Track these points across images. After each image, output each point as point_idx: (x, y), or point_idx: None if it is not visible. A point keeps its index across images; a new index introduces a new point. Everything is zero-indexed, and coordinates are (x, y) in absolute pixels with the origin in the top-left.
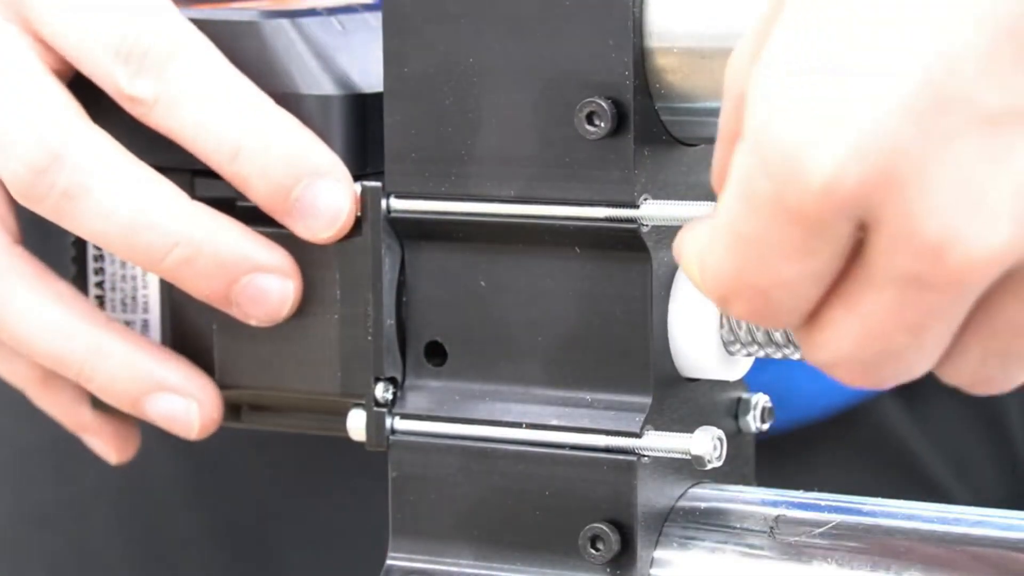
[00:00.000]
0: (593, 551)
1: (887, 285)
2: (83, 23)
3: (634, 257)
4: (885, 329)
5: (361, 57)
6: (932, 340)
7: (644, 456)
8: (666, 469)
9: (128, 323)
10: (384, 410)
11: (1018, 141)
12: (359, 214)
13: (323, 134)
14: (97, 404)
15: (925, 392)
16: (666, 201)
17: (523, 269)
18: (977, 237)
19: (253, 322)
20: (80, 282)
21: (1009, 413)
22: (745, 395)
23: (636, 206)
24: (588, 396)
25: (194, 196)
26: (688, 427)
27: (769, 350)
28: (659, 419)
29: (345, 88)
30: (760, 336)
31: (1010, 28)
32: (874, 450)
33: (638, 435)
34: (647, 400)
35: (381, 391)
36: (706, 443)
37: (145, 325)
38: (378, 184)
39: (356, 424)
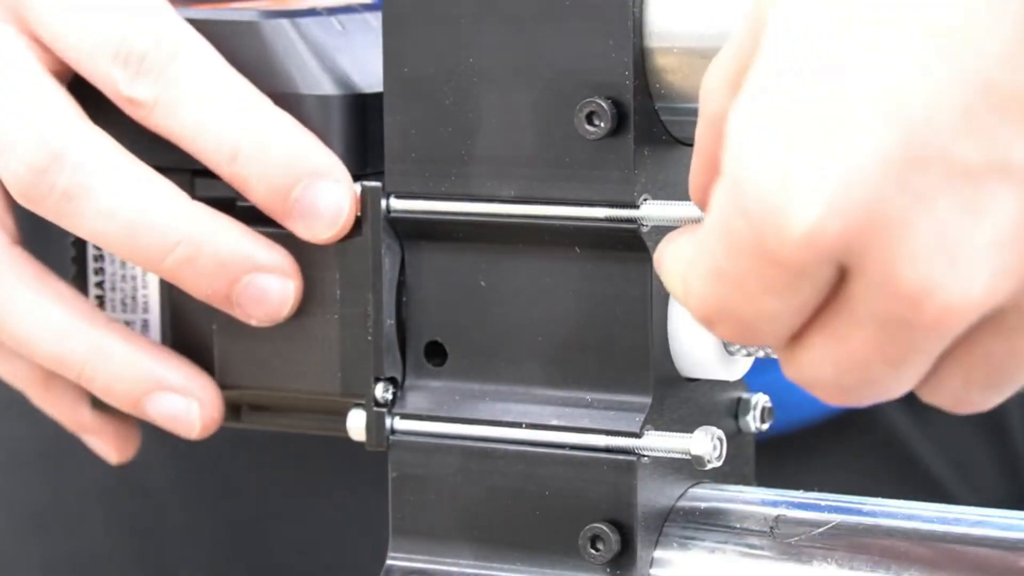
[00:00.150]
0: (593, 551)
1: (868, 323)
2: (81, 24)
3: (634, 257)
4: (865, 360)
5: (361, 57)
6: (911, 370)
7: (644, 456)
8: (666, 469)
9: (128, 323)
10: (384, 410)
11: (996, 193)
12: (359, 214)
13: (323, 134)
14: (97, 404)
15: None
16: (666, 201)
17: (523, 269)
18: (955, 287)
19: (254, 322)
20: (80, 282)
21: (1009, 414)
22: (745, 395)
23: (636, 206)
24: (588, 396)
25: (194, 196)
26: (688, 427)
27: (768, 350)
28: (659, 419)
29: (345, 88)
30: None
31: (986, 82)
32: (875, 451)
33: (638, 435)
34: (647, 400)
35: (381, 391)
36: (706, 443)
37: (145, 325)
38: (378, 184)
39: (356, 424)
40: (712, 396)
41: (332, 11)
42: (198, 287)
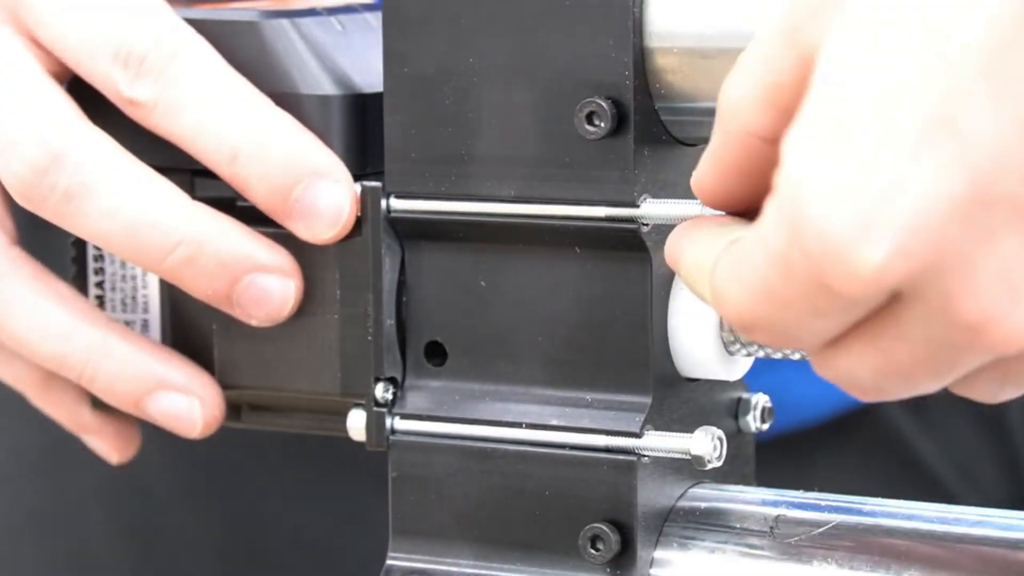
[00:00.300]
0: (593, 551)
1: (918, 342)
2: (81, 25)
3: (634, 257)
4: (909, 370)
5: (361, 57)
6: (953, 377)
7: (644, 456)
8: (666, 469)
9: (128, 323)
10: (384, 410)
11: None
12: (359, 214)
13: (323, 134)
14: (97, 405)
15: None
16: (666, 200)
17: (523, 269)
18: (1017, 318)
19: (254, 322)
20: (80, 282)
21: (1010, 413)
22: (745, 395)
23: (636, 206)
24: (588, 396)
25: (194, 196)
26: (688, 427)
27: (769, 350)
28: (659, 419)
29: (345, 88)
30: None
31: None
32: (876, 451)
33: (638, 435)
34: (647, 400)
35: (381, 391)
36: (706, 443)
37: (145, 325)
38: (378, 184)
39: (356, 424)
40: (712, 396)
41: (332, 11)
42: (199, 287)
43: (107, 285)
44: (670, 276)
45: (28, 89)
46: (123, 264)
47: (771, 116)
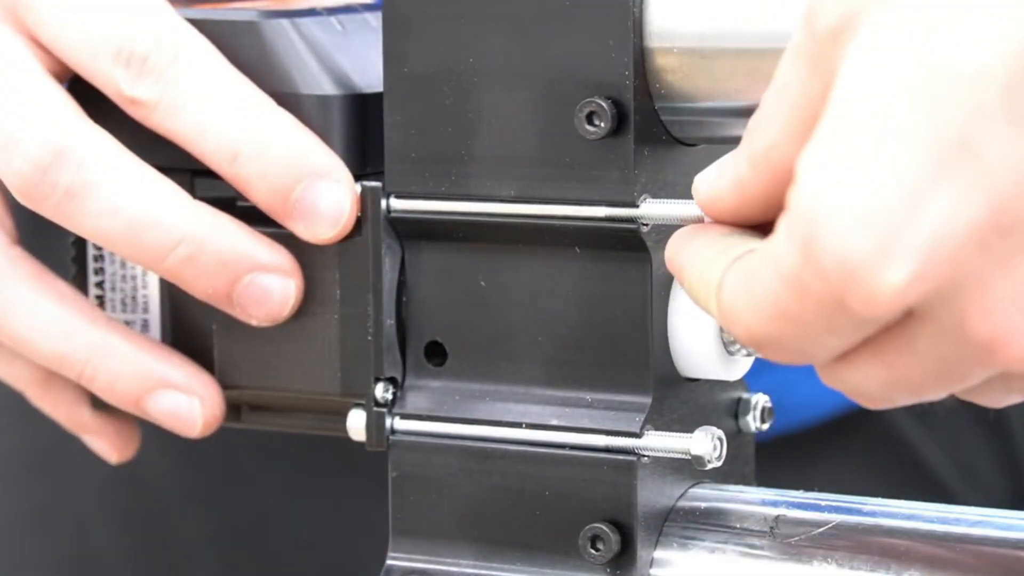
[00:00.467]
0: (593, 551)
1: (929, 359)
2: (82, 25)
3: (634, 257)
4: (919, 384)
5: (361, 57)
6: (961, 387)
7: (644, 456)
8: (666, 469)
9: (128, 323)
10: (384, 410)
11: None
12: (359, 214)
13: (323, 134)
14: (97, 404)
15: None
16: (666, 200)
17: (523, 269)
18: None
19: (254, 322)
20: (80, 282)
21: (1011, 414)
22: (745, 395)
23: (636, 206)
24: (588, 396)
25: (194, 196)
26: (688, 427)
27: None
28: (659, 419)
29: (345, 88)
30: None
31: None
32: (876, 452)
33: (638, 435)
34: (647, 400)
35: (381, 391)
36: (706, 443)
37: (145, 325)
38: (378, 184)
39: (356, 424)
40: (712, 396)
41: (332, 11)
42: (199, 286)
43: (107, 285)
44: (670, 276)
45: (29, 88)
46: (123, 264)
47: None
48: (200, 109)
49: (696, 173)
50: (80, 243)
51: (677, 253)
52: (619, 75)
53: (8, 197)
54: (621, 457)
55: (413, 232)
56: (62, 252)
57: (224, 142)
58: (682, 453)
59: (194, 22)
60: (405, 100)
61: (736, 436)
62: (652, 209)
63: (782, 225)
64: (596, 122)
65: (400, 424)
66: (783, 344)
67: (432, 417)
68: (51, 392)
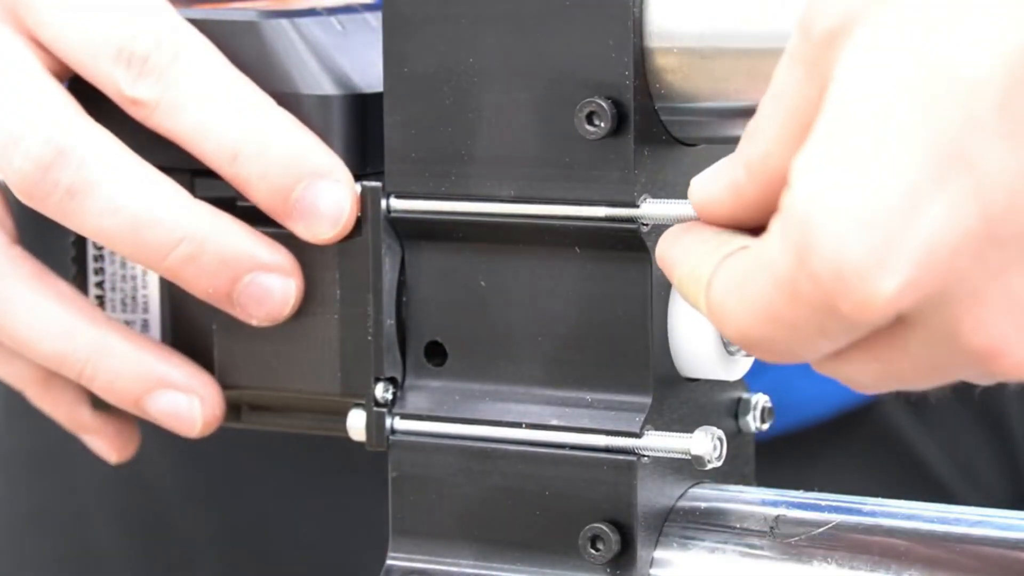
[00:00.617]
0: (593, 551)
1: (922, 358)
2: (82, 25)
3: (634, 257)
4: (910, 378)
5: (361, 57)
6: (952, 381)
7: (644, 456)
8: (666, 469)
9: (128, 323)
10: (384, 410)
11: None
12: (359, 214)
13: (323, 134)
14: (97, 404)
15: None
16: (666, 200)
17: (523, 269)
18: (1023, 351)
19: (254, 322)
20: (80, 282)
21: (1010, 414)
22: (745, 395)
23: (636, 206)
24: (588, 396)
25: (195, 196)
26: (688, 427)
27: None
28: (659, 419)
29: (345, 88)
30: None
31: None
32: (876, 451)
33: (638, 435)
34: (647, 400)
35: (381, 391)
36: (706, 443)
37: (145, 325)
38: (378, 184)
39: (356, 424)
40: (712, 396)
41: (332, 11)
42: (200, 285)
43: (107, 285)
44: None
45: (29, 88)
46: (123, 264)
47: None
48: (200, 109)
49: (696, 173)
50: (80, 243)
51: (668, 249)
52: (619, 75)
53: (8, 196)
54: (621, 457)
55: (413, 232)
56: (62, 252)
57: (224, 142)
58: (682, 453)
59: (194, 22)
60: (405, 100)
61: (736, 436)
62: (652, 209)
63: (775, 227)
64: (596, 122)
65: (400, 424)
66: (774, 345)
67: (432, 417)
68: (51, 392)
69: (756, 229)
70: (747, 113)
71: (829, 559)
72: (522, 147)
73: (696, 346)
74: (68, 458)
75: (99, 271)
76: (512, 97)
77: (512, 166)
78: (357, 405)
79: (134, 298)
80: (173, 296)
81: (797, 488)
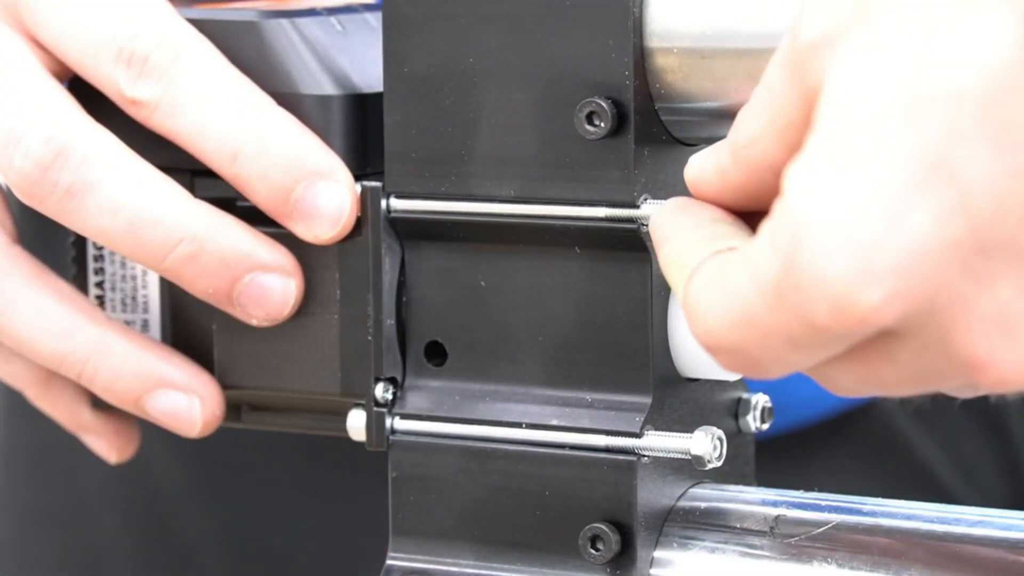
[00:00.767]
0: (593, 551)
1: (908, 369)
2: (82, 25)
3: (634, 257)
4: (897, 386)
5: (361, 57)
6: (938, 390)
7: (644, 456)
8: (666, 469)
9: (128, 323)
10: (384, 410)
11: None
12: (359, 214)
13: (323, 134)
14: (97, 404)
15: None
16: (666, 201)
17: (523, 269)
18: (1012, 362)
19: (254, 322)
20: (80, 282)
21: (1010, 414)
22: (745, 395)
23: (636, 206)
24: (588, 396)
25: (194, 196)
26: (688, 427)
27: None
28: (659, 419)
29: (345, 88)
30: None
31: None
32: (876, 451)
33: (638, 435)
34: (647, 400)
35: (381, 391)
36: (706, 443)
37: (145, 325)
38: (378, 184)
39: (356, 424)
40: (712, 396)
41: (332, 11)
42: (199, 285)
43: (107, 285)
44: None
45: (30, 87)
46: (123, 264)
47: (784, 153)
48: (200, 109)
49: None
50: (80, 243)
51: (662, 223)
52: (619, 75)
53: (8, 196)
54: (621, 457)
55: (413, 232)
56: (62, 252)
57: (224, 142)
58: (682, 453)
59: (194, 22)
60: (405, 100)
61: (736, 436)
62: (652, 210)
63: (765, 231)
64: (596, 122)
65: (400, 424)
66: (741, 351)
67: (432, 417)
68: (51, 392)
69: (752, 222)
70: None
71: (829, 559)
72: (522, 147)
73: (696, 346)
74: (70, 457)
75: (99, 271)
76: (512, 97)
77: (512, 166)
78: (357, 405)
79: (134, 298)
80: (173, 296)
81: (797, 488)
